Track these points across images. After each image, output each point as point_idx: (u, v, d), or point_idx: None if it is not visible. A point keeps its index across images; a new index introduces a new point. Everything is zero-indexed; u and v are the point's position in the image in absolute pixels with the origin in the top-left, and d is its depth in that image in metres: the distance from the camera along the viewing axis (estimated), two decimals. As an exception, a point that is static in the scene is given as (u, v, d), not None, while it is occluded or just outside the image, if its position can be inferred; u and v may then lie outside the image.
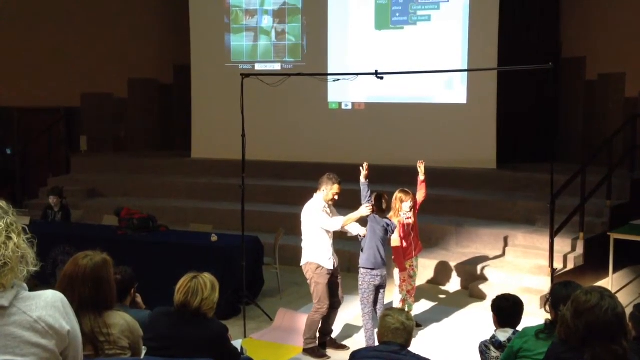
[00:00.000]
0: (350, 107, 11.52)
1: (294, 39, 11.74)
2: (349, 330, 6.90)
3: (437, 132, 10.81)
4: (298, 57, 11.71)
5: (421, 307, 7.57)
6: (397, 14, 11.03)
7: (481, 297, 7.83)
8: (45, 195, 10.00)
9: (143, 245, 7.79)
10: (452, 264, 8.45)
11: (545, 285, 7.51)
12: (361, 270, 6.23)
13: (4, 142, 12.81)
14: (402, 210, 6.57)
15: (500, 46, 10.33)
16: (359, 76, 7.47)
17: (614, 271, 7.82)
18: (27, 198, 12.07)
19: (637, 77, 9.95)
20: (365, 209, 6.01)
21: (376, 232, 6.18)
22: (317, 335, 6.38)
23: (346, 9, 11.37)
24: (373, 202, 6.15)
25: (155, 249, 7.72)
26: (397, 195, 6.63)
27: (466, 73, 10.55)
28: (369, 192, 6.16)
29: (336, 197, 6.22)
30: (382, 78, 6.92)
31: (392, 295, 6.94)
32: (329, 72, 11.06)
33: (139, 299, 4.43)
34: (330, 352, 6.40)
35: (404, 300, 6.77)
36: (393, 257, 6.76)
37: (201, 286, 3.81)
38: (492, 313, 4.36)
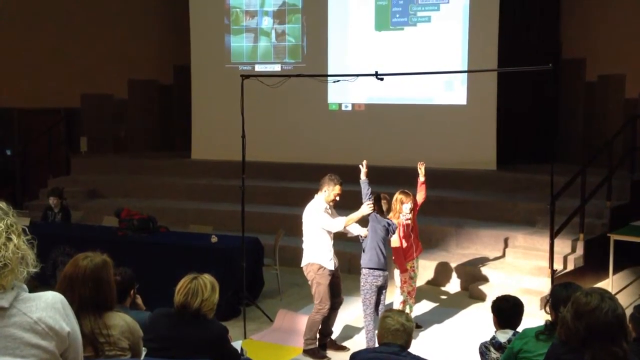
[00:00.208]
0: (350, 108, 11.52)
1: (294, 40, 11.75)
2: (349, 331, 6.89)
3: (437, 133, 10.81)
4: (298, 58, 11.71)
5: (421, 308, 7.57)
6: (397, 15, 11.03)
7: (481, 298, 7.83)
8: (45, 196, 9.99)
9: (143, 246, 7.79)
10: (452, 265, 8.45)
11: (545, 286, 7.51)
12: (363, 271, 6.21)
13: (4, 142, 12.80)
14: (402, 211, 6.57)
15: (500, 47, 10.33)
16: (359, 77, 7.46)
17: (614, 272, 7.82)
18: (27, 199, 12.06)
19: (637, 78, 9.95)
20: (366, 208, 6.01)
21: (377, 232, 6.17)
22: (317, 336, 6.38)
23: (346, 10, 11.37)
24: (373, 202, 6.15)
25: (155, 250, 7.72)
26: (398, 196, 6.62)
27: (466, 74, 10.55)
28: (369, 190, 6.16)
29: (337, 198, 6.23)
30: (382, 79, 6.91)
31: (393, 297, 6.93)
32: (329, 73, 11.07)
33: (139, 300, 4.44)
34: (330, 353, 6.40)
35: (404, 302, 6.77)
36: (393, 258, 6.75)
37: (201, 287, 3.81)
38: (492, 314, 4.36)
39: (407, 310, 6.61)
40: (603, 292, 2.78)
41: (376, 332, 4.06)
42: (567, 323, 2.76)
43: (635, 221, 8.17)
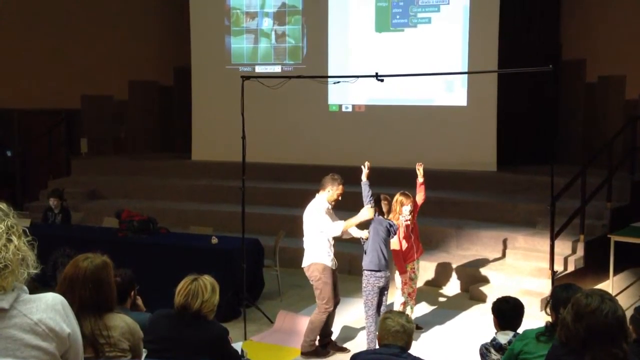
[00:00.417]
0: (350, 109, 11.53)
1: (294, 41, 11.75)
2: (350, 332, 6.89)
3: (438, 134, 10.82)
4: (298, 59, 11.72)
5: (421, 309, 7.56)
6: (398, 16, 11.04)
7: (481, 299, 7.82)
8: (46, 197, 9.99)
9: (143, 247, 7.79)
10: (453, 266, 8.45)
11: (545, 287, 7.50)
12: (365, 273, 6.21)
13: (4, 143, 12.81)
14: (402, 213, 6.57)
15: (501, 48, 10.34)
16: (359, 78, 7.46)
17: (615, 273, 7.81)
18: (27, 200, 12.07)
19: (638, 79, 9.96)
20: (366, 212, 6.00)
21: (379, 233, 6.17)
22: (318, 337, 6.38)
23: (346, 11, 11.38)
24: (374, 204, 6.15)
25: (156, 251, 7.72)
26: (398, 198, 6.62)
27: (466, 75, 10.55)
28: (370, 192, 6.16)
29: (339, 198, 6.24)
30: (382, 80, 6.92)
31: (394, 297, 6.93)
32: (329, 74, 11.08)
33: (139, 301, 4.44)
34: (330, 354, 6.40)
35: (405, 303, 6.76)
36: (393, 260, 6.75)
37: (201, 288, 3.81)
38: (492, 315, 4.36)
39: (408, 312, 6.61)
40: (603, 294, 2.78)
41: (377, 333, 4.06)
42: (567, 324, 2.76)
43: (635, 222, 8.17)
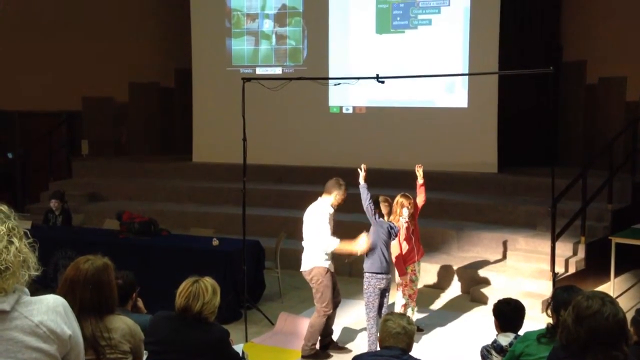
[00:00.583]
0: (351, 111, 11.53)
1: (295, 43, 11.76)
2: (351, 334, 6.89)
3: (438, 136, 10.81)
4: (299, 61, 11.72)
5: (422, 311, 7.55)
6: (398, 18, 11.04)
7: (482, 301, 7.82)
8: (47, 199, 10.00)
9: (144, 249, 7.79)
10: (454, 267, 8.44)
11: (546, 289, 7.49)
12: (366, 275, 6.21)
13: (5, 146, 12.82)
14: (402, 215, 6.57)
15: (501, 50, 10.34)
16: (360, 80, 7.46)
17: (616, 275, 7.80)
18: (28, 202, 12.09)
19: (638, 80, 9.96)
20: (364, 244, 6.07)
21: (380, 235, 6.17)
22: (318, 339, 6.38)
23: (347, 13, 11.38)
24: (374, 206, 6.16)
25: (157, 253, 7.72)
26: (399, 199, 6.62)
27: (467, 77, 10.55)
28: (369, 195, 6.16)
29: (342, 202, 6.26)
30: (383, 82, 6.92)
31: (394, 299, 6.93)
32: (329, 76, 11.07)
33: (140, 303, 4.43)
34: (331, 356, 6.40)
35: (405, 305, 6.76)
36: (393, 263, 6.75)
37: (202, 290, 3.81)
38: (493, 317, 4.36)
39: (409, 314, 6.61)
40: (604, 296, 2.78)
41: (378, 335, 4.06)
42: (568, 327, 2.76)
43: (636, 224, 8.16)
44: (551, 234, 7.66)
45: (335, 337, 6.63)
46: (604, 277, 7.94)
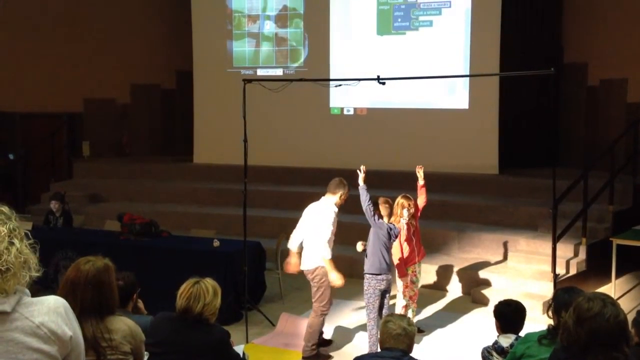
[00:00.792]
0: (352, 112, 11.53)
1: (296, 44, 11.77)
2: (351, 335, 6.88)
3: (439, 138, 10.82)
4: (300, 62, 11.74)
5: (423, 312, 7.55)
6: (399, 20, 11.05)
7: (483, 302, 7.81)
8: (47, 200, 10.00)
9: (145, 250, 7.79)
10: (454, 269, 8.44)
11: (547, 290, 7.49)
12: (366, 276, 6.21)
13: (6, 147, 12.82)
14: (403, 216, 6.57)
15: (502, 51, 10.34)
16: (361, 81, 7.46)
17: (617, 277, 7.80)
18: (29, 203, 12.08)
19: (639, 82, 9.95)
20: (337, 281, 6.17)
21: (380, 237, 6.17)
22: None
23: (348, 14, 11.39)
24: (373, 208, 6.16)
25: (157, 254, 7.72)
26: (399, 200, 6.61)
27: (468, 78, 10.55)
28: (369, 196, 6.16)
29: (344, 202, 6.30)
30: (384, 83, 6.92)
31: (395, 301, 6.92)
32: (330, 77, 11.08)
33: (140, 304, 4.43)
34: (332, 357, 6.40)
35: (406, 306, 6.76)
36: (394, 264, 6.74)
37: (203, 291, 3.81)
38: (494, 318, 4.35)
39: (409, 315, 6.61)
40: (605, 298, 2.78)
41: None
42: (569, 328, 2.76)
43: (637, 225, 8.15)
44: (552, 235, 7.66)
45: (335, 337, 6.63)
46: (605, 279, 7.94)
